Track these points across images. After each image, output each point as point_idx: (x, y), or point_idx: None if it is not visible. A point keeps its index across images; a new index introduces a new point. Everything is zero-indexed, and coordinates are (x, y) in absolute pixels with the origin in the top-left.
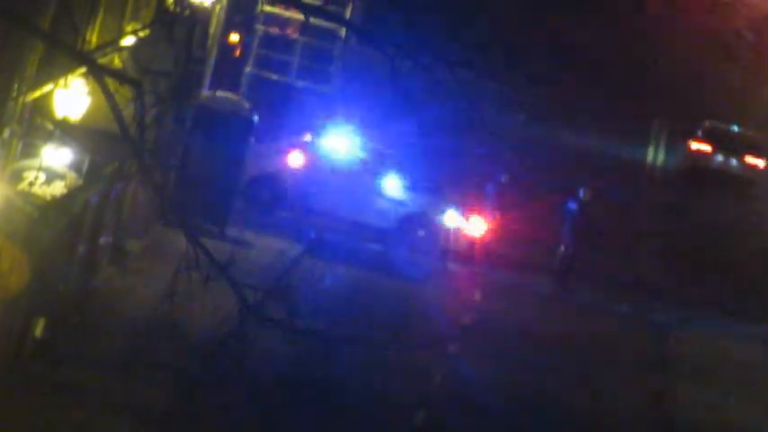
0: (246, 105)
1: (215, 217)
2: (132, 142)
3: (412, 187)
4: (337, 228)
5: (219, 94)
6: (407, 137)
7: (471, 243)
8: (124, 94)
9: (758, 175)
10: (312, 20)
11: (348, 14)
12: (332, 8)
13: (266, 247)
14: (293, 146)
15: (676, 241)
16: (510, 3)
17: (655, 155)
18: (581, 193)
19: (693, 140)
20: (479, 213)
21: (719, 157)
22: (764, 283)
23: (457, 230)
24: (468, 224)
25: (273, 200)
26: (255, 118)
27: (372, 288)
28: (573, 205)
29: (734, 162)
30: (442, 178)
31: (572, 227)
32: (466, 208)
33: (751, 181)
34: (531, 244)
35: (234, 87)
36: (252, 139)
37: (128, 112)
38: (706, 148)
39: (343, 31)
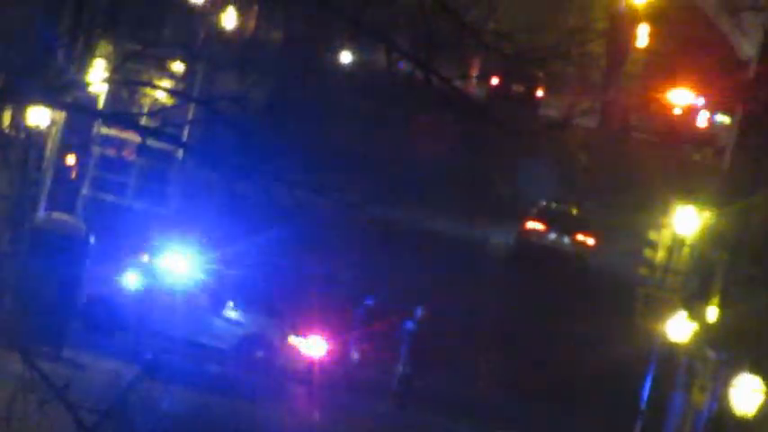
0: (82, 227)
1: (51, 339)
2: None
3: (250, 308)
4: (175, 349)
5: (55, 215)
6: (246, 257)
7: (310, 363)
8: None
9: (588, 252)
10: (149, 141)
11: (185, 136)
12: (168, 130)
13: (103, 369)
14: (129, 267)
15: (518, 352)
16: (350, 120)
17: (495, 235)
18: (418, 312)
19: (528, 219)
20: (318, 333)
21: (552, 235)
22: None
23: (295, 350)
24: (307, 344)
25: (110, 321)
26: (92, 239)
27: (211, 410)
28: (410, 324)
29: (566, 239)
30: (281, 298)
31: (409, 346)
32: (305, 328)
33: (581, 256)
34: (370, 364)
35: (70, 209)
36: (88, 261)
37: None
38: (539, 226)
39: (180, 153)
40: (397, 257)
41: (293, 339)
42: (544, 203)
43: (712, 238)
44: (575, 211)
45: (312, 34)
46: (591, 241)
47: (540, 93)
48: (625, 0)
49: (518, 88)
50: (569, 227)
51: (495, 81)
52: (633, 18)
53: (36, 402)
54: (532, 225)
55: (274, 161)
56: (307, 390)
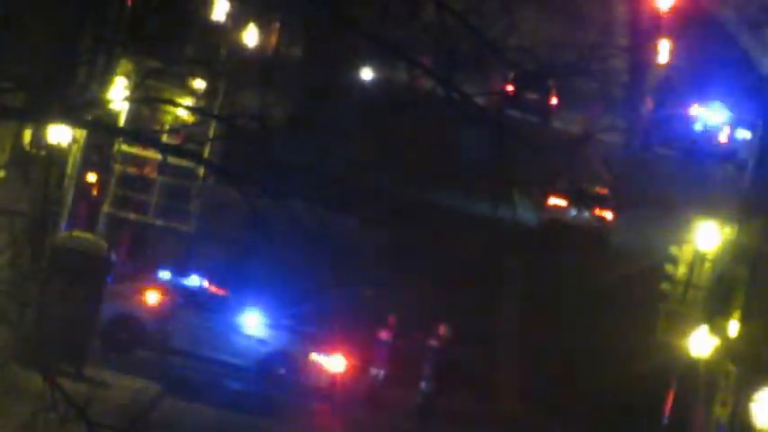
0: (104, 245)
1: (72, 357)
2: None
3: (272, 325)
4: (197, 367)
5: (77, 234)
6: (268, 275)
7: (332, 380)
8: None
9: (607, 225)
10: (170, 159)
11: (206, 153)
12: (189, 147)
13: (124, 387)
14: (151, 285)
15: (540, 367)
16: (363, 137)
17: (516, 212)
18: (441, 329)
19: (550, 196)
20: (340, 350)
21: (573, 211)
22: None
23: (318, 367)
24: (329, 361)
25: (132, 339)
26: (113, 257)
27: (233, 427)
28: (433, 342)
29: (586, 214)
30: (303, 316)
31: (432, 363)
32: (327, 345)
33: (601, 229)
34: (393, 381)
35: (91, 227)
36: (109, 279)
37: None
38: (561, 202)
39: (201, 170)
40: (419, 268)
41: (315, 356)
42: (565, 180)
43: (733, 253)
44: (598, 189)
45: (333, 51)
46: (609, 215)
47: (554, 101)
48: (645, 16)
49: (532, 96)
50: (589, 202)
51: (509, 88)
52: (654, 34)
53: (57, 421)
54: (554, 201)
55: (295, 178)
56: (329, 406)
